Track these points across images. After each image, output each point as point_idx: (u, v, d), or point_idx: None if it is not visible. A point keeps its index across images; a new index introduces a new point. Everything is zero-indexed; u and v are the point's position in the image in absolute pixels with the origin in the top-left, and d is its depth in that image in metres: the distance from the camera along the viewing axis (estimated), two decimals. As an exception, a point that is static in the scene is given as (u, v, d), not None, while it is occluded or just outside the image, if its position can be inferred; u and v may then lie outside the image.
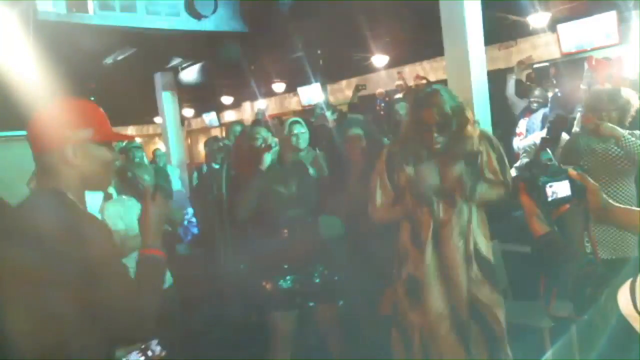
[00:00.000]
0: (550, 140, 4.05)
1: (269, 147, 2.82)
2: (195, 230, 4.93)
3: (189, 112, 13.73)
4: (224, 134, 12.07)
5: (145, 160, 4.98)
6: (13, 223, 1.40)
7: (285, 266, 2.86)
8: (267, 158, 2.80)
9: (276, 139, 2.91)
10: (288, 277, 2.86)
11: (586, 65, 4.81)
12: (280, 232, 2.84)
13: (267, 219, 2.86)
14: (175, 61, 7.68)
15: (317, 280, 2.90)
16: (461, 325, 2.33)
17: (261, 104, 10.93)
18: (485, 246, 2.36)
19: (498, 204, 2.39)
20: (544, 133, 4.22)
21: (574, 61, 7.01)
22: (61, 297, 1.34)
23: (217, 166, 4.83)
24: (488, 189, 2.33)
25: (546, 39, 7.43)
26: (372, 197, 2.45)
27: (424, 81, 6.47)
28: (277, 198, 2.83)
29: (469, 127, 2.30)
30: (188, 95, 10.95)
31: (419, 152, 2.36)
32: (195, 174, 5.53)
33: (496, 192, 2.34)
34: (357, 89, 6.83)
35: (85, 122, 1.45)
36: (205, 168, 5.27)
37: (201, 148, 16.38)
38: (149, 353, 1.64)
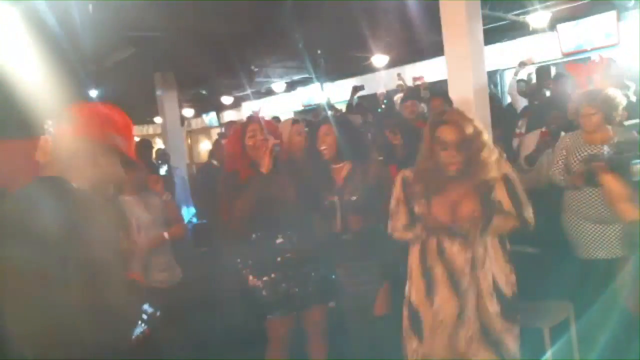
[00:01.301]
0: (549, 135, 4.05)
1: (271, 148, 2.73)
2: (191, 229, 4.95)
3: (189, 112, 13.72)
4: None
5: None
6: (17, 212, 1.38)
7: (281, 269, 2.80)
8: (270, 160, 2.72)
9: (277, 141, 2.82)
10: (283, 279, 2.80)
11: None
12: (276, 236, 2.80)
13: (263, 222, 2.78)
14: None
15: (313, 282, 2.85)
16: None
17: (259, 104, 10.93)
18: (504, 281, 2.30)
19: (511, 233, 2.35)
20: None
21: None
22: (69, 284, 1.32)
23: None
24: (501, 221, 2.29)
25: (546, 39, 7.43)
26: (391, 217, 2.47)
27: (422, 80, 6.48)
28: (273, 201, 2.76)
29: (485, 152, 2.24)
30: (188, 95, 10.96)
31: (434, 180, 2.30)
32: (198, 175, 5.57)
33: (511, 224, 2.30)
34: (355, 90, 6.82)
35: (125, 131, 1.54)
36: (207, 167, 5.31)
37: (201, 148, 16.39)
38: (144, 316, 1.64)
